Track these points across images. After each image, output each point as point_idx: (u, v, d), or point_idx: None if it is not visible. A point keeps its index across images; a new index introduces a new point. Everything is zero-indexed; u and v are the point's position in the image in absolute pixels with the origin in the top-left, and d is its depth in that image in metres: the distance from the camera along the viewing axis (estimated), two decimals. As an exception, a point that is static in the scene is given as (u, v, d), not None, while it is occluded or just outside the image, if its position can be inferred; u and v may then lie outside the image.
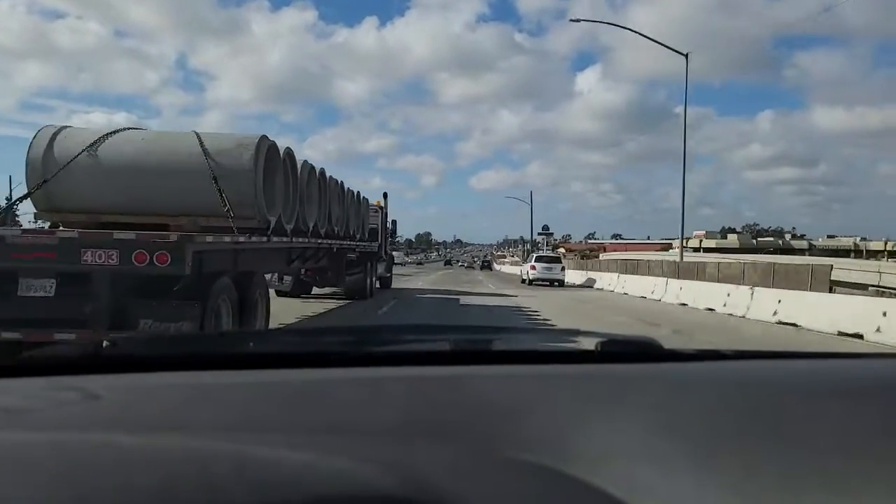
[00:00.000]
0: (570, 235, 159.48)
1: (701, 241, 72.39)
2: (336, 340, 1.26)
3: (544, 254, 31.27)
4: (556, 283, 25.07)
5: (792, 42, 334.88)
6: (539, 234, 68.64)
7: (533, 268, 26.12)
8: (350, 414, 0.71)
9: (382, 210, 20.18)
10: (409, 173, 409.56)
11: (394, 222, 22.22)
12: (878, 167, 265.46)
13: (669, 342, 1.08)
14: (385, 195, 21.08)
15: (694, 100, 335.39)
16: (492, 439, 0.63)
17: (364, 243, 16.44)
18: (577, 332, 1.28)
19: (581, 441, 0.63)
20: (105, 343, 0.95)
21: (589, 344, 1.05)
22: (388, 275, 21.49)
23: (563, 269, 26.30)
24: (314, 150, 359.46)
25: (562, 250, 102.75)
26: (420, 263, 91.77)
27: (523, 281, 26.61)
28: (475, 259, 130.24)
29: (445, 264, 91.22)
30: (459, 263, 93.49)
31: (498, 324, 10.31)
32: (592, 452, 0.61)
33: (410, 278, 31.37)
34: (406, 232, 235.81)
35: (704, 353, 1.06)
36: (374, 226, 18.79)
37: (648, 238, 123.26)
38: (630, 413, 0.72)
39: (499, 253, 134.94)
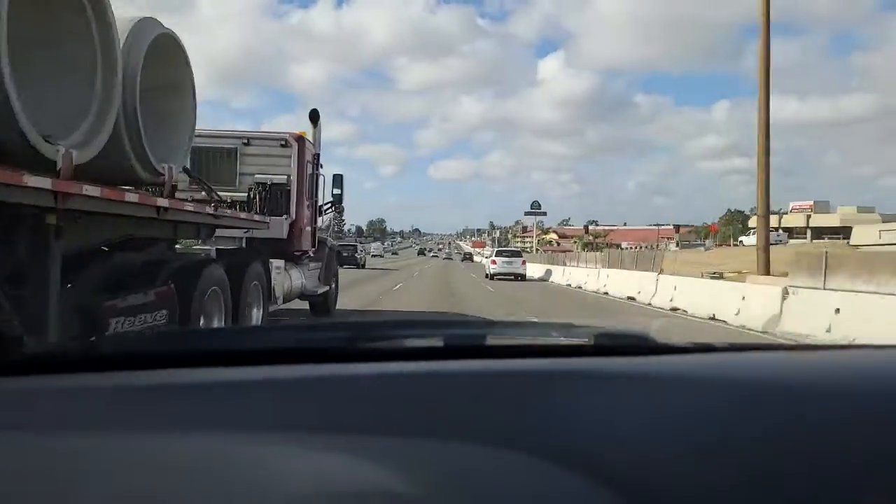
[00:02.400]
0: (542, 222, 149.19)
1: (809, 216, 49.71)
2: (330, 336, 1.18)
3: (505, 248, 32.42)
4: (519, 277, 24.92)
5: (753, 30, 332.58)
6: (527, 213, 58.14)
7: (494, 262, 25.81)
8: (345, 410, 0.71)
9: (303, 145, 8.96)
10: (368, 162, 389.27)
11: (338, 179, 10.81)
12: (825, 157, 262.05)
13: (663, 335, 1.06)
14: (314, 117, 9.76)
15: (653, 88, 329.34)
16: (486, 433, 0.64)
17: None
18: (571, 326, 1.23)
19: (575, 436, 0.64)
20: (97, 341, 0.84)
21: (583, 337, 1.06)
22: (327, 289, 10.20)
23: (523, 262, 25.99)
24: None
25: (553, 236, 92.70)
26: (395, 253, 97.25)
27: (487, 276, 25.92)
28: (440, 247, 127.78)
29: (419, 254, 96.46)
30: (432, 253, 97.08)
31: None
32: (587, 447, 0.62)
33: (386, 277, 26.30)
34: (359, 219, 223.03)
35: (698, 346, 1.04)
36: (280, 179, 8.67)
37: (625, 224, 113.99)
38: (623, 407, 0.73)
39: (473, 241, 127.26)
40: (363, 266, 35.34)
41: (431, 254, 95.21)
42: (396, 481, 0.52)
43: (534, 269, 29.62)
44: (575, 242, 76.72)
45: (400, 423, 0.66)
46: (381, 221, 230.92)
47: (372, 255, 63.22)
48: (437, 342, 1.07)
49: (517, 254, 27.91)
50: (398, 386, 0.79)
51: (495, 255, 27.02)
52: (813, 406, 0.72)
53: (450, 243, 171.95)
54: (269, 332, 1.62)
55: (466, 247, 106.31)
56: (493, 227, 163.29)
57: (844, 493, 0.56)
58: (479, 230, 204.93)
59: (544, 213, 68.02)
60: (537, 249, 59.70)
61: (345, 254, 32.72)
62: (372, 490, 0.51)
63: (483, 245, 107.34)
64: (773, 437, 0.64)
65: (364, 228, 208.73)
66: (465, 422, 0.67)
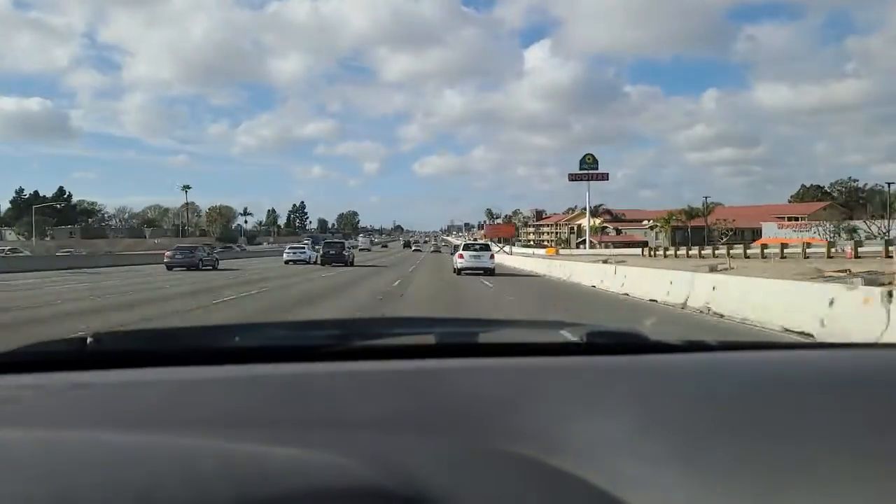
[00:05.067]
0: (544, 210, 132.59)
1: None
2: (322, 334, 1.20)
3: (472, 242, 32.87)
4: (487, 272, 24.05)
5: (742, 14, 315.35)
6: (573, 176, 39.33)
7: (461, 256, 25.29)
8: (337, 408, 0.71)
9: None
10: (350, 160, 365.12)
11: None
12: (812, 146, 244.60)
13: (656, 334, 1.04)
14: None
15: (642, 78, 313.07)
16: (478, 432, 0.64)
17: None
18: (563, 325, 1.20)
19: (567, 433, 0.64)
20: (90, 339, 0.91)
21: (575, 336, 1.04)
22: None
23: (491, 257, 25.60)
24: (250, 137, 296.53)
25: (597, 221, 74.39)
26: (385, 246, 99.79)
27: (454, 271, 24.90)
28: (425, 241, 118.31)
29: (405, 247, 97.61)
30: (415, 247, 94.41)
31: None
32: (578, 444, 0.62)
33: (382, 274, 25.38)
34: (328, 214, 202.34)
35: (690, 344, 1.03)
36: None
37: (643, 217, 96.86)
38: (616, 405, 0.73)
39: (488, 226, 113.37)
40: (352, 263, 32.69)
41: (415, 247, 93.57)
42: (389, 478, 0.53)
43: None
44: (653, 228, 56.22)
45: (393, 421, 0.67)
46: (354, 215, 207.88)
47: (360, 250, 63.36)
48: (431, 340, 1.06)
49: (486, 248, 27.53)
50: (392, 383, 0.78)
51: (462, 250, 26.20)
52: (806, 403, 0.72)
53: (436, 237, 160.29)
54: (265, 330, 1.53)
55: (455, 240, 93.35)
56: (491, 214, 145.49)
57: (838, 488, 0.56)
58: (467, 224, 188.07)
59: (604, 177, 47.06)
60: (591, 244, 40.80)
61: (332, 252, 32.18)
62: (364, 486, 0.52)
63: (512, 229, 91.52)
64: (767, 434, 0.64)
65: (334, 224, 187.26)
66: (459, 419, 0.67)
